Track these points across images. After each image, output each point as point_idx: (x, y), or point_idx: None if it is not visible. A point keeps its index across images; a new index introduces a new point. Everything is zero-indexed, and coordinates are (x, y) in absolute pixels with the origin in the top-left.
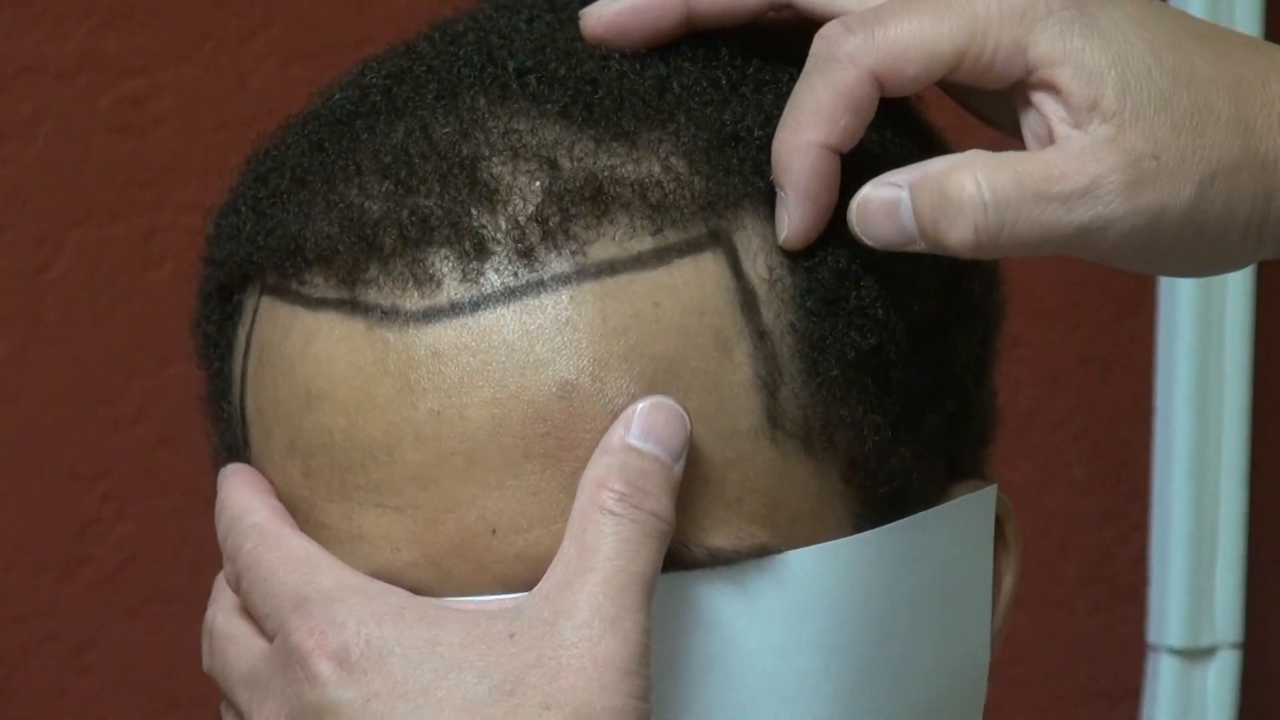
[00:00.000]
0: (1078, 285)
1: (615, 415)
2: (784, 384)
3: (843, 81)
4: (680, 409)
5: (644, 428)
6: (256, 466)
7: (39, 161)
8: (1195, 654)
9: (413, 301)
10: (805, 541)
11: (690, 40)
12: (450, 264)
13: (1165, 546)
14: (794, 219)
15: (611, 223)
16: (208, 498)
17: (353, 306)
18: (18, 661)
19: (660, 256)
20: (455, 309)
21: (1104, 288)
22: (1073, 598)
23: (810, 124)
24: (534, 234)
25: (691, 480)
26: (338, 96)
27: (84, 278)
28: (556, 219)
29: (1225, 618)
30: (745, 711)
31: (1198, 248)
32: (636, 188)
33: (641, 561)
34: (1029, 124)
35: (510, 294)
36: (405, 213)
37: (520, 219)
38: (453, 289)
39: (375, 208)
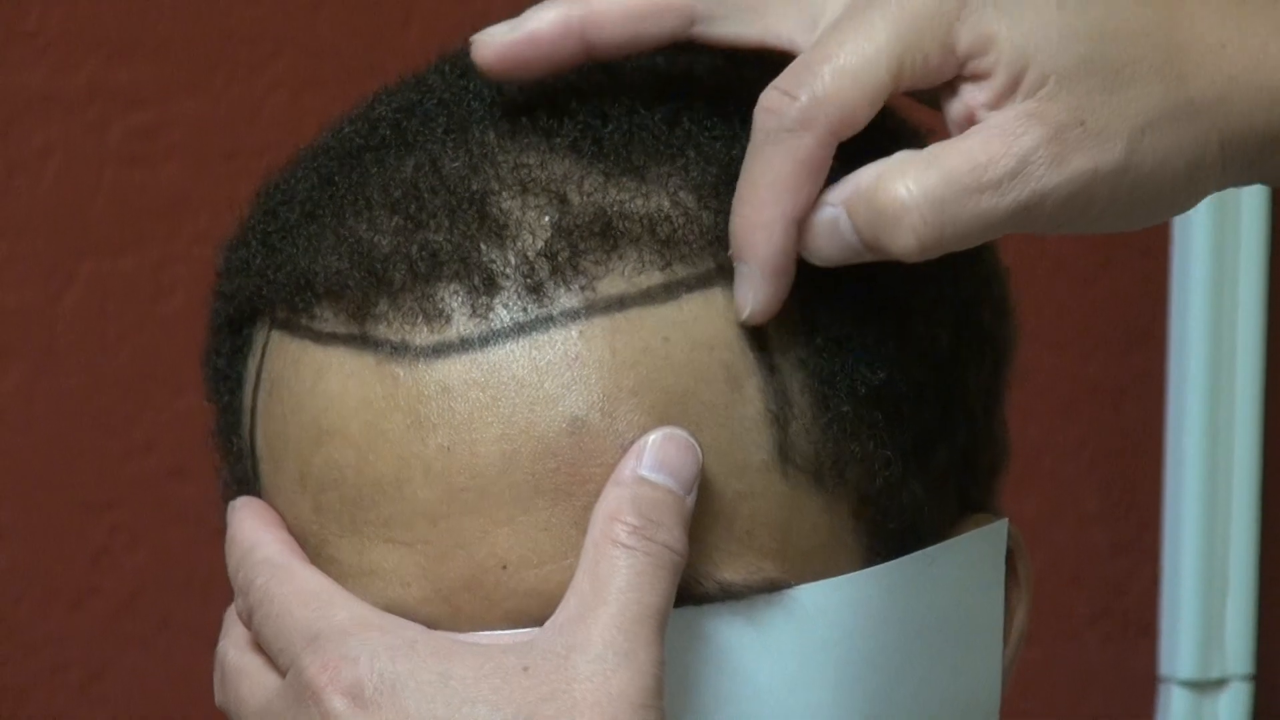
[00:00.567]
0: (1088, 315)
1: (626, 449)
2: (794, 419)
3: (801, 151)
4: (692, 440)
5: (656, 460)
6: (267, 500)
7: (50, 193)
8: (1206, 686)
9: (422, 337)
10: (816, 576)
11: (701, 74)
12: (459, 299)
13: (1176, 578)
14: (761, 296)
15: (621, 258)
16: (218, 529)
17: (362, 341)
18: (28, 692)
19: (669, 291)
20: (465, 344)
21: (1115, 318)
22: (1083, 629)
23: (772, 199)
24: (543, 269)
25: (702, 514)
26: (347, 130)
27: (95, 309)
28: (566, 254)
29: (1236, 649)
30: None
31: (1136, 202)
32: (646, 223)
33: (655, 594)
34: (951, 112)
35: (520, 329)
36: (415, 248)
37: (529, 254)
38: (462, 324)
39: (385, 242)
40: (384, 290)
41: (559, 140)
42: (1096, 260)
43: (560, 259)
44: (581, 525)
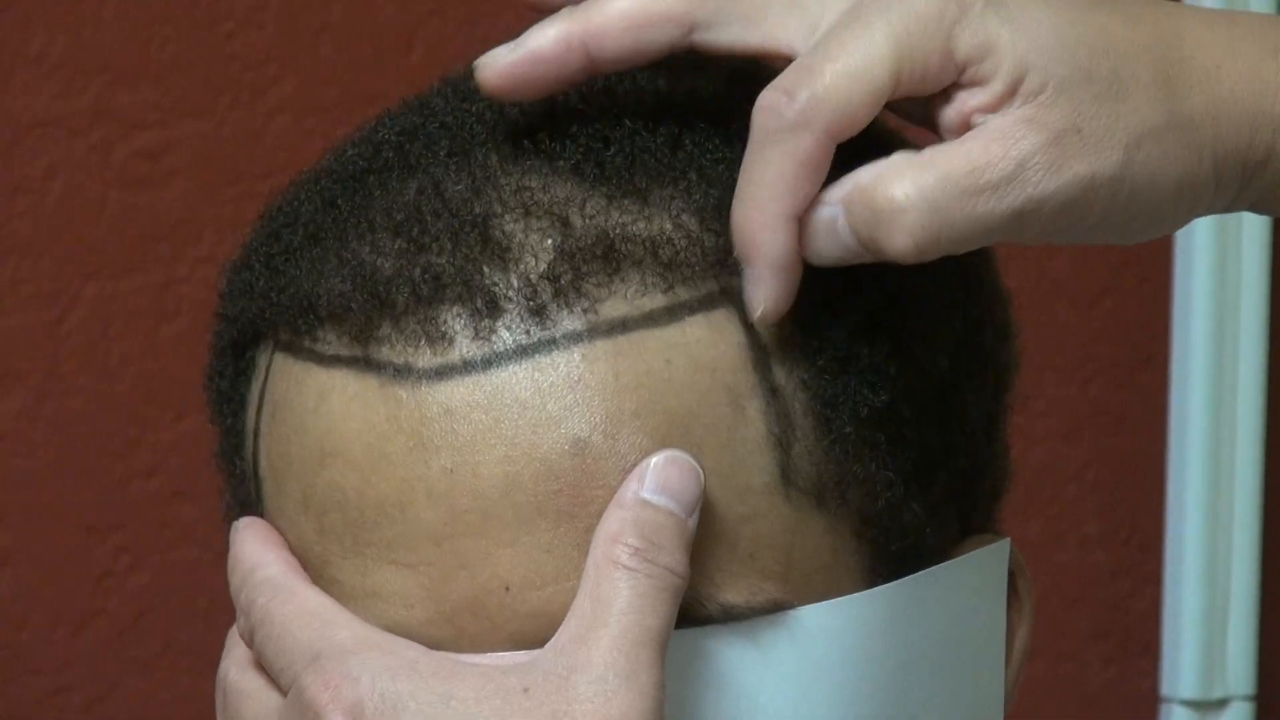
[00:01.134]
0: (1090, 339)
1: (628, 472)
2: (797, 441)
3: (800, 150)
4: (694, 463)
5: (658, 482)
6: (269, 521)
7: (54, 215)
8: (1208, 706)
9: (425, 359)
10: (818, 597)
11: (703, 97)
12: (462, 322)
13: (1178, 599)
14: (771, 295)
15: (623, 280)
16: (221, 551)
17: (365, 364)
18: (32, 714)
19: (672, 314)
20: (467, 367)
21: (1117, 342)
22: (1085, 651)
23: (773, 198)
24: (546, 292)
25: (704, 536)
26: (350, 153)
27: (98, 331)
28: (568, 277)
29: (1238, 670)
30: None
31: (1132, 214)
32: (648, 245)
33: (656, 617)
34: (946, 118)
35: (522, 352)
36: (417, 270)
37: (532, 277)
38: (465, 347)
39: (388, 265)
40: (387, 312)
41: (561, 163)
42: (1099, 284)
43: (563, 281)
44: (584, 547)
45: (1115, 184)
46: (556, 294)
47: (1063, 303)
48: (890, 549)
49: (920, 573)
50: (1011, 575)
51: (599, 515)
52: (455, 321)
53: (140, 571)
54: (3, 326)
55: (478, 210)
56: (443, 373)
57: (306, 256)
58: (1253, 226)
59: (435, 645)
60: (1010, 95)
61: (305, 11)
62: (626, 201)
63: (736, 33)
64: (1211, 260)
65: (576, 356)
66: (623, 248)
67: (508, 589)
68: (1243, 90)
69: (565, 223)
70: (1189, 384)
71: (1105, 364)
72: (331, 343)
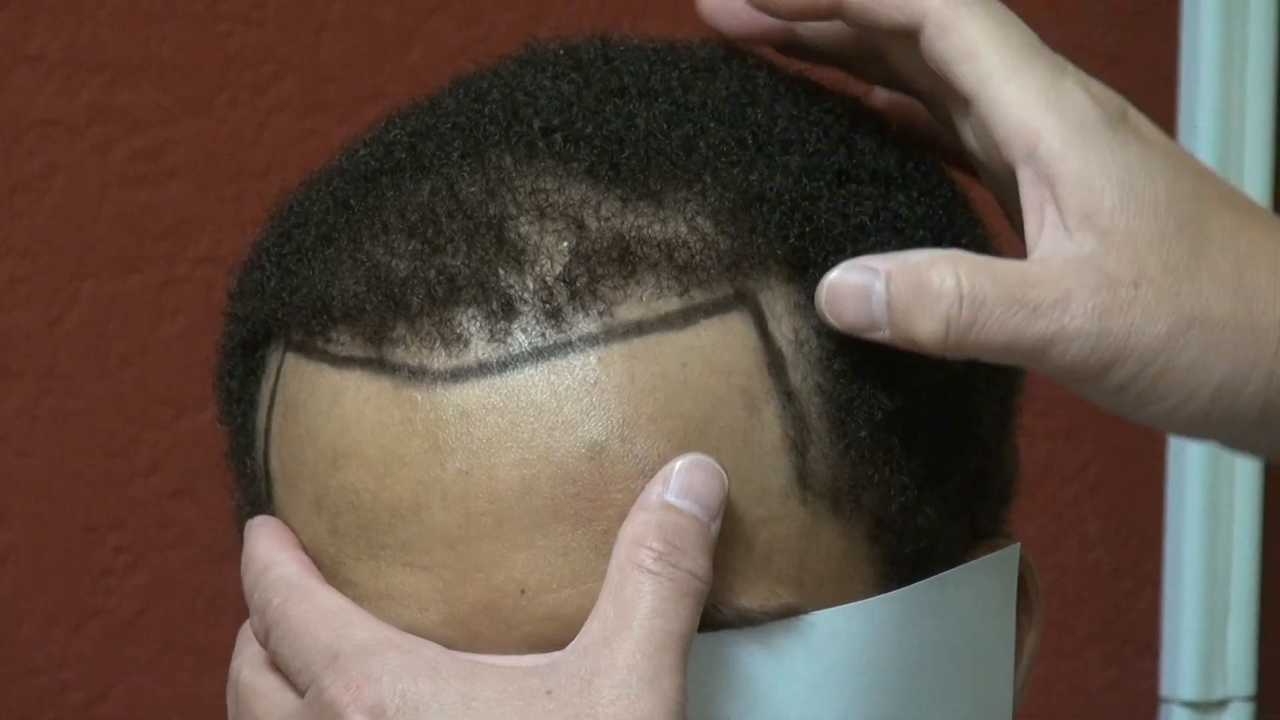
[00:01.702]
0: None
1: (645, 475)
2: (812, 444)
3: None
4: (718, 467)
5: (682, 485)
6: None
7: (52, 214)
8: (1208, 707)
9: (440, 361)
10: (831, 601)
11: (715, 100)
12: (478, 324)
13: (1178, 600)
14: None
15: (638, 283)
16: (221, 550)
17: (380, 365)
18: (31, 714)
19: (687, 317)
20: (483, 369)
21: None
22: (1085, 651)
23: None
24: (561, 294)
25: (721, 540)
26: (362, 153)
27: (97, 330)
28: (584, 279)
29: (1238, 671)
30: None
31: (1159, 392)
32: (663, 248)
33: (679, 621)
34: (1028, 198)
35: (538, 354)
36: (432, 272)
37: (548, 279)
38: (480, 349)
39: (402, 266)
40: (401, 314)
41: (576, 165)
42: None
43: (579, 284)
44: (600, 550)
45: (1150, 355)
46: (572, 296)
47: None
48: (903, 553)
49: (933, 578)
50: (1021, 578)
51: (616, 519)
52: (470, 324)
53: (139, 570)
54: (1, 325)
55: (492, 212)
56: (458, 375)
57: (319, 257)
58: None
59: (449, 647)
60: (1082, 219)
61: (304, 10)
62: (641, 204)
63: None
64: None
65: (593, 359)
66: (638, 250)
67: (523, 592)
68: None
69: (580, 225)
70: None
71: None
72: (345, 344)
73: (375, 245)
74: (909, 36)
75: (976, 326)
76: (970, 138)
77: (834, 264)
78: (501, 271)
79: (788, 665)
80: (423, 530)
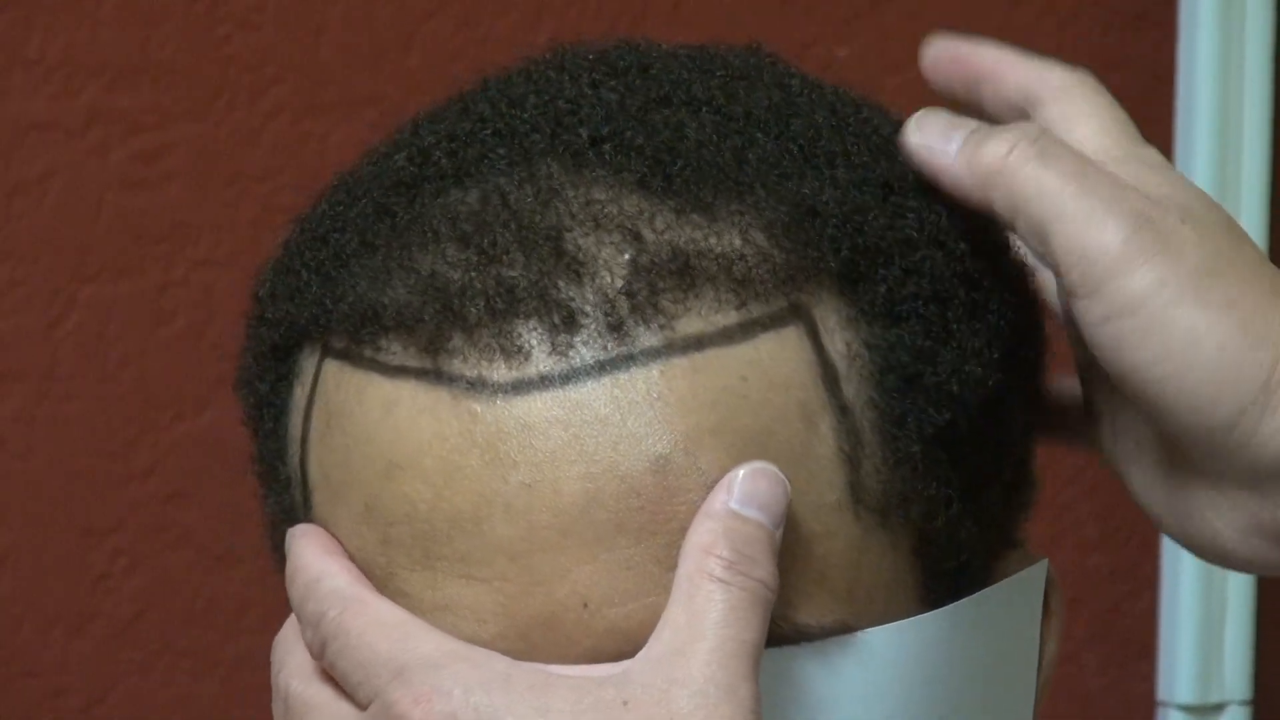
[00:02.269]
0: None
1: (708, 488)
2: (865, 459)
3: None
4: (780, 474)
5: (746, 493)
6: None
7: (50, 217)
8: (1204, 711)
9: (500, 373)
10: (879, 616)
11: (759, 111)
12: (539, 336)
13: (1174, 603)
14: None
15: (697, 296)
16: (219, 553)
17: (436, 376)
18: (30, 716)
19: (745, 331)
20: (545, 381)
21: None
22: (1083, 654)
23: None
24: (623, 307)
25: (780, 554)
26: (398, 159)
27: (95, 333)
28: (645, 292)
29: (1234, 675)
30: None
31: (1141, 335)
32: (721, 261)
33: (751, 630)
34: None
35: (600, 368)
36: (490, 283)
37: (609, 292)
38: (542, 361)
39: (457, 276)
40: (458, 325)
41: (627, 175)
42: None
43: (640, 297)
44: (663, 563)
45: (1160, 284)
46: (633, 309)
47: None
48: (943, 567)
49: (975, 595)
50: (1045, 590)
51: (679, 532)
52: (531, 335)
53: (137, 573)
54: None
55: (548, 222)
56: (519, 387)
57: (363, 264)
58: (1249, 226)
59: None
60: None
61: (303, 13)
62: (695, 216)
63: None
64: None
65: (655, 373)
66: (697, 264)
67: (585, 606)
68: None
69: (637, 237)
70: None
71: None
72: (397, 353)
73: (424, 254)
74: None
75: (1039, 158)
76: None
77: (883, 277)
78: (561, 283)
79: (844, 682)
80: (483, 542)
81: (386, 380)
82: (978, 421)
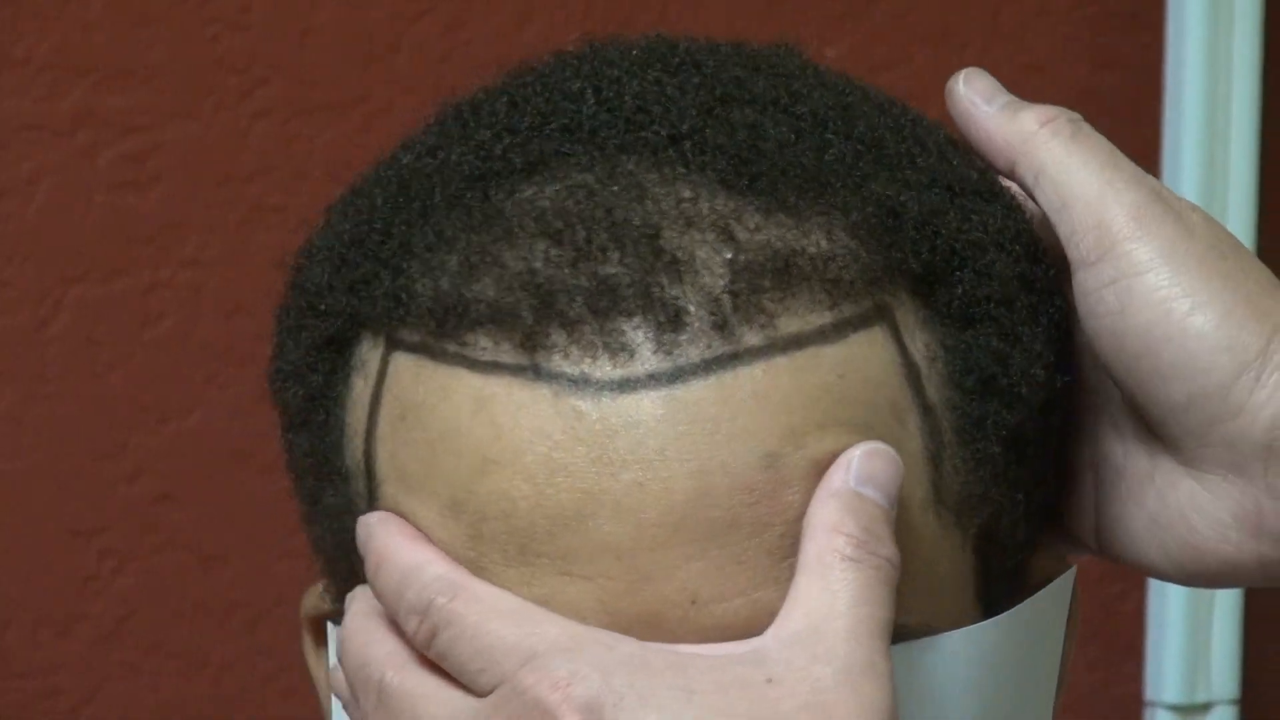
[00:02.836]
0: None
1: (819, 474)
2: (946, 459)
3: None
4: (894, 453)
5: (864, 472)
6: None
7: (38, 218)
8: (1192, 710)
9: (604, 371)
10: (950, 617)
11: (820, 109)
12: (643, 334)
13: (1162, 603)
14: None
15: (794, 296)
16: (206, 554)
17: (535, 372)
18: (18, 717)
19: (838, 330)
20: (653, 380)
21: None
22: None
23: None
24: (727, 306)
25: None
26: (457, 153)
27: (83, 334)
28: (746, 292)
29: (1222, 674)
30: None
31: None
32: (815, 261)
33: (884, 608)
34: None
35: (706, 366)
36: (588, 280)
37: (714, 291)
38: (648, 359)
39: (554, 273)
40: (556, 321)
41: (710, 174)
42: None
43: (741, 297)
44: (775, 554)
45: (1170, 249)
46: (736, 309)
47: None
48: (1000, 568)
49: (1029, 600)
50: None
51: (792, 521)
52: (635, 333)
53: (125, 574)
54: None
55: (640, 219)
56: (625, 385)
57: (440, 258)
58: (1237, 224)
59: None
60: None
61: (291, 14)
62: (781, 216)
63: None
64: None
65: (758, 371)
66: (794, 264)
67: (694, 601)
68: None
69: (731, 236)
70: None
71: None
72: (488, 348)
73: (510, 249)
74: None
75: (1071, 136)
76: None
77: (957, 279)
78: (664, 281)
79: (919, 684)
80: (588, 540)
81: (476, 376)
82: (1039, 423)
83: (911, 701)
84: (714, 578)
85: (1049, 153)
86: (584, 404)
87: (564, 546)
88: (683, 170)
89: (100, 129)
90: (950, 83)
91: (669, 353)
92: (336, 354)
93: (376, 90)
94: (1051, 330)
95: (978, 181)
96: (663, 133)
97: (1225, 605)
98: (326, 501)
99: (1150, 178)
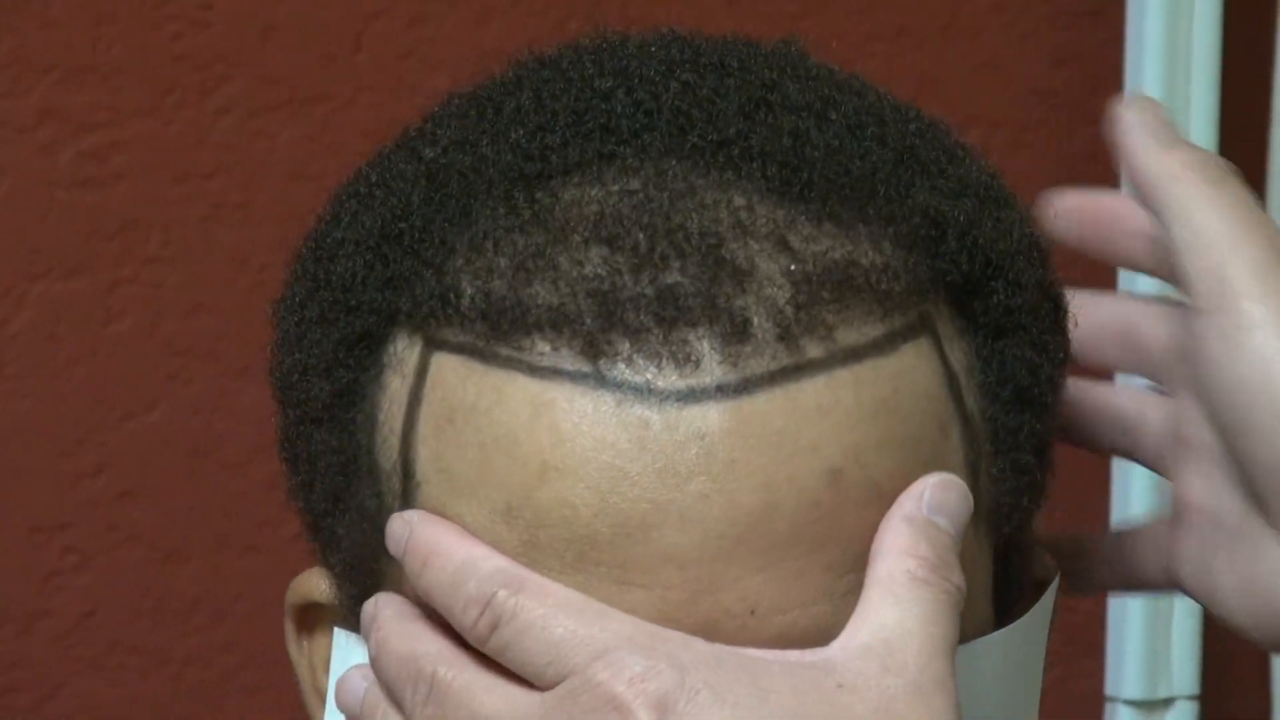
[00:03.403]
0: None
1: (878, 499)
2: (983, 470)
3: None
4: (965, 487)
5: (937, 502)
6: None
7: (0, 216)
8: (1152, 706)
9: (669, 381)
10: (974, 627)
11: (851, 115)
12: (710, 344)
13: (1123, 599)
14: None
15: (849, 307)
16: (168, 550)
17: (598, 380)
18: None
19: (890, 341)
20: (721, 391)
21: None
22: None
23: None
24: (790, 317)
25: None
26: (487, 149)
27: (45, 331)
28: (808, 304)
29: (1182, 670)
30: None
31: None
32: (869, 273)
33: (953, 629)
34: None
35: (772, 378)
36: (651, 287)
37: (778, 302)
38: (715, 370)
39: (616, 279)
40: (620, 329)
41: (759, 182)
42: None
43: (804, 309)
44: (834, 569)
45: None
46: (798, 320)
47: None
48: (1011, 571)
49: (1040, 602)
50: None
51: (850, 541)
52: (701, 343)
53: (87, 571)
54: None
55: (698, 227)
56: (692, 396)
57: (486, 259)
58: None
59: None
60: None
61: (252, 11)
62: (829, 225)
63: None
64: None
65: (821, 384)
66: (851, 275)
67: (753, 613)
68: None
69: (787, 246)
70: (1132, 380)
71: None
72: (546, 353)
73: (564, 253)
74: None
75: (1217, 183)
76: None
77: (992, 289)
78: (729, 291)
79: (961, 690)
80: (650, 550)
81: (534, 381)
82: (1053, 429)
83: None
84: (774, 590)
85: (1187, 191)
86: (649, 413)
87: (625, 555)
88: (731, 176)
89: (62, 126)
90: (1117, 107)
91: (735, 364)
92: (368, 350)
93: (338, 87)
94: (1067, 336)
95: (996, 187)
96: (708, 138)
97: (1186, 601)
98: (355, 500)
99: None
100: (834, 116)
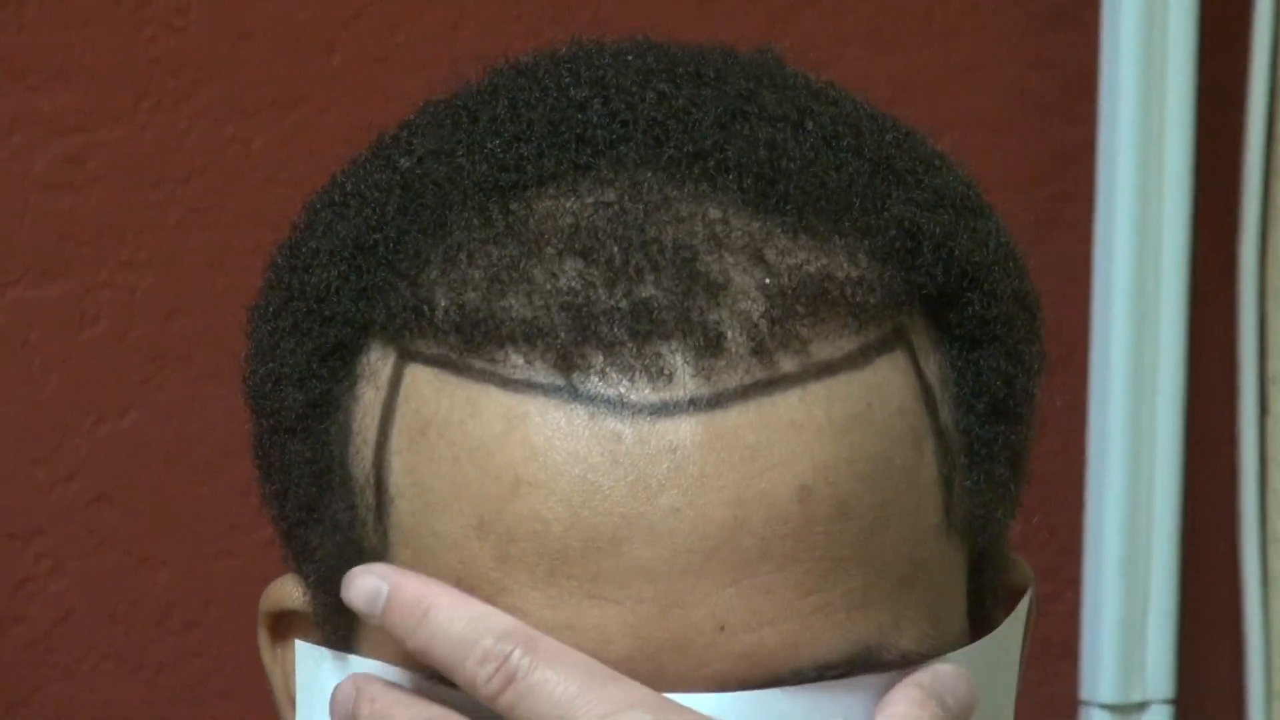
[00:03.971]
0: None
1: (844, 517)
2: (957, 482)
3: None
4: (971, 680)
5: (948, 686)
6: (400, 538)
7: None
8: (1128, 710)
9: (642, 394)
10: (949, 641)
11: (826, 125)
12: (683, 357)
13: (1097, 603)
14: None
15: (823, 321)
16: (141, 556)
17: (572, 393)
18: None
19: (864, 355)
20: (693, 405)
21: None
22: None
23: None
24: (764, 331)
25: (890, 580)
26: (463, 159)
27: (19, 336)
28: (782, 318)
29: (1157, 674)
30: None
31: None
32: (844, 286)
33: None
34: None
35: (745, 392)
36: (625, 301)
37: (753, 315)
38: (688, 384)
39: (587, 292)
40: (594, 342)
41: (735, 194)
42: None
43: (778, 323)
44: (800, 589)
45: None
46: (772, 334)
47: None
48: (985, 583)
49: (1015, 612)
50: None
51: (818, 560)
52: (674, 357)
53: (61, 576)
54: None
55: (672, 240)
56: (665, 410)
57: (460, 271)
58: (1172, 225)
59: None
60: None
61: (226, 16)
62: (804, 238)
63: None
64: (1131, 261)
65: (794, 399)
66: (825, 288)
67: (722, 629)
68: None
69: (762, 260)
70: (1108, 385)
71: None
72: (519, 366)
73: (538, 265)
74: None
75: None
76: None
77: (967, 300)
78: (703, 305)
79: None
80: (621, 564)
81: (507, 394)
82: (1029, 440)
83: None
84: (742, 607)
85: None
86: (621, 427)
87: (595, 569)
88: (707, 189)
89: (36, 130)
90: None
91: (708, 378)
92: (342, 361)
93: (312, 92)
94: (1043, 346)
95: (973, 197)
96: (684, 149)
97: (1160, 605)
98: (328, 511)
99: None
100: (810, 127)
